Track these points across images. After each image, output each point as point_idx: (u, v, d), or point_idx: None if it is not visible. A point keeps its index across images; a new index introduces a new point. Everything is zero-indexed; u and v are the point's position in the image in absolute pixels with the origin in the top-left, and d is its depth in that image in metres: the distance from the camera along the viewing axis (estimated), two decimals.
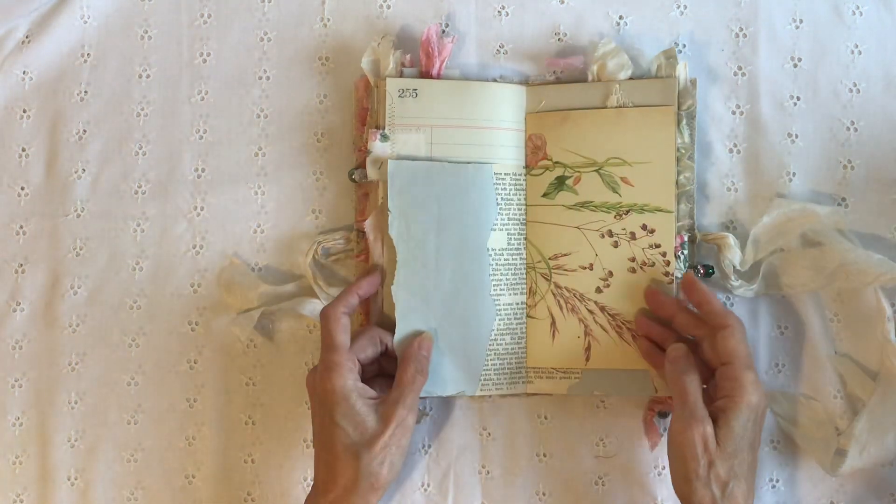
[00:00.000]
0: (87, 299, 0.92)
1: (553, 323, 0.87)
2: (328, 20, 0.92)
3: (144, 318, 0.92)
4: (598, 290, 0.87)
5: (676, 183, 0.86)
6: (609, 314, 0.87)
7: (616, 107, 0.86)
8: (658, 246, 0.86)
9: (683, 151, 0.86)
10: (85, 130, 0.93)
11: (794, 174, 0.88)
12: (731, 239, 0.86)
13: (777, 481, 0.88)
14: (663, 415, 0.87)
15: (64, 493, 0.92)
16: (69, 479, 0.92)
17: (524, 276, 0.88)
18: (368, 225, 0.86)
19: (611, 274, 0.86)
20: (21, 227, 0.93)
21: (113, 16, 0.93)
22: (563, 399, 0.89)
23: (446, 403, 0.90)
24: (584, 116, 0.87)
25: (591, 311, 0.87)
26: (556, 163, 0.87)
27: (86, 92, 0.93)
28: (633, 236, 0.86)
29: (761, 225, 0.86)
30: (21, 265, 0.93)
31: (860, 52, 0.89)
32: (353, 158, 0.90)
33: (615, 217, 0.86)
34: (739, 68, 0.89)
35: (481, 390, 0.87)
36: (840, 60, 0.89)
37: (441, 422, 0.90)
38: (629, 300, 0.86)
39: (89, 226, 0.92)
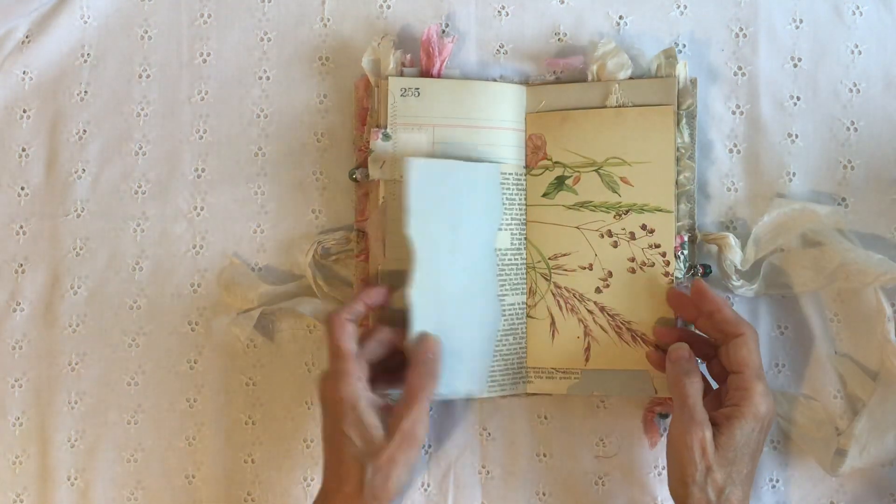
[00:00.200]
0: (87, 299, 0.92)
1: (553, 323, 0.87)
2: (328, 20, 0.92)
3: (144, 318, 0.92)
4: (598, 291, 0.87)
5: (676, 183, 0.86)
6: (609, 314, 0.86)
7: (616, 106, 0.86)
8: (658, 246, 0.85)
9: (683, 151, 0.86)
10: (85, 130, 0.93)
11: (794, 174, 0.88)
12: (732, 239, 0.86)
13: (777, 481, 0.88)
14: (663, 415, 0.87)
15: (64, 493, 0.92)
16: (69, 479, 0.92)
17: (524, 276, 0.88)
18: (369, 224, 0.85)
19: (610, 274, 0.86)
20: (21, 227, 0.93)
21: (113, 16, 0.94)
22: (563, 399, 0.89)
23: (446, 403, 0.90)
24: (584, 116, 0.87)
25: (590, 312, 0.87)
26: (556, 163, 0.87)
27: (86, 92, 0.93)
28: (632, 236, 0.86)
29: (761, 224, 0.86)
30: (21, 265, 0.93)
31: (860, 52, 0.89)
32: (353, 158, 0.90)
33: (615, 217, 0.86)
34: (739, 68, 0.89)
35: (488, 392, 0.87)
36: (840, 60, 0.89)
37: (441, 422, 0.90)
38: (629, 300, 0.86)
39: (89, 226, 0.92)
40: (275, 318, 0.91)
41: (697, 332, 0.84)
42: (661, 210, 0.85)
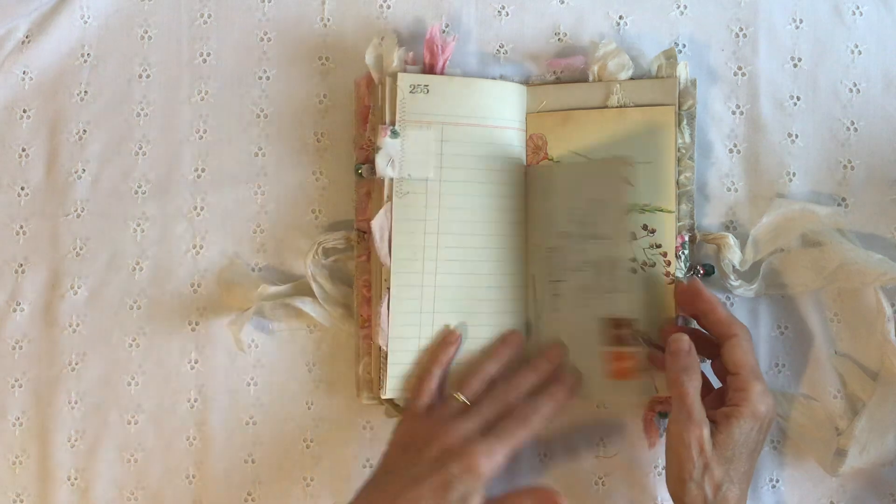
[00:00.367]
0: (87, 299, 0.92)
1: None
2: (328, 20, 0.92)
3: (144, 318, 0.92)
4: None
5: (677, 183, 0.86)
6: None
7: (617, 107, 0.86)
8: (659, 246, 0.85)
9: (684, 151, 0.86)
10: (85, 130, 0.93)
11: (794, 174, 0.88)
12: (731, 239, 0.86)
13: (777, 481, 0.88)
14: (663, 415, 0.87)
15: (64, 493, 0.92)
16: (69, 479, 0.92)
17: (524, 275, 0.88)
18: (375, 224, 0.85)
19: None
20: (21, 227, 0.93)
21: (113, 16, 0.94)
22: None
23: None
24: (586, 116, 0.87)
25: None
26: (558, 163, 0.87)
27: (86, 92, 0.93)
28: (633, 236, 0.86)
29: (761, 225, 0.86)
30: (21, 265, 0.93)
31: (860, 52, 0.89)
32: (353, 158, 0.89)
33: None
34: (739, 68, 0.89)
35: None
36: (840, 60, 0.89)
37: None
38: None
39: (89, 226, 0.92)
40: (273, 318, 0.91)
41: (702, 329, 0.84)
42: (662, 210, 0.85)
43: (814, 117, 0.89)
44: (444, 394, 0.85)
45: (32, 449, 0.92)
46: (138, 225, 0.92)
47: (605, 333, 0.85)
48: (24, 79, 0.94)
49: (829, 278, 0.85)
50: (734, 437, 0.77)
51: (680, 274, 0.85)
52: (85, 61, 0.93)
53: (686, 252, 0.86)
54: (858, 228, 0.87)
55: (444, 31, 0.90)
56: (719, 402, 0.80)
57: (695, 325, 0.85)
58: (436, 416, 0.82)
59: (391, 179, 0.85)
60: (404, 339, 0.85)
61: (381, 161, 0.85)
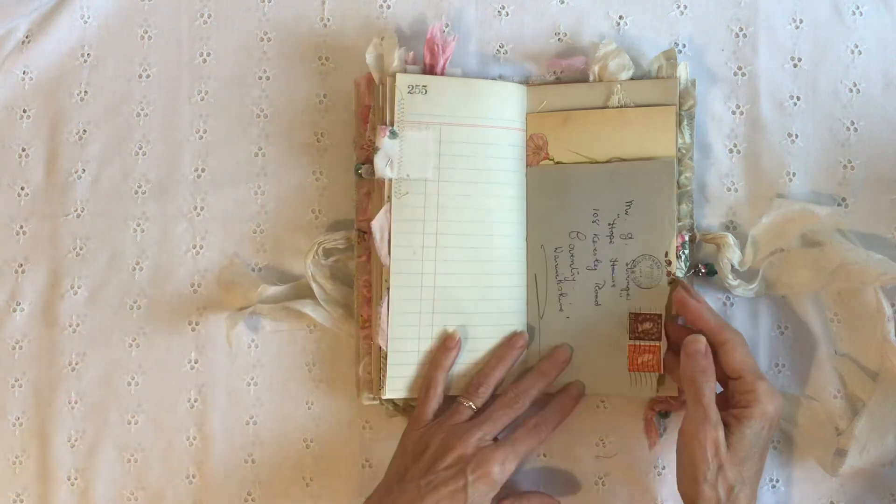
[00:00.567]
0: (87, 299, 0.92)
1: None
2: (328, 20, 0.92)
3: (144, 318, 0.92)
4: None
5: (678, 183, 0.86)
6: None
7: (618, 107, 0.86)
8: (667, 245, 0.85)
9: (684, 151, 0.86)
10: (85, 130, 0.93)
11: (794, 174, 0.88)
12: (731, 238, 0.86)
13: (777, 481, 0.88)
14: (664, 415, 0.87)
15: (64, 493, 0.92)
16: (69, 479, 0.92)
17: (526, 275, 0.88)
18: (375, 224, 0.85)
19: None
20: (21, 227, 0.93)
21: (113, 16, 0.94)
22: None
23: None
24: (586, 116, 0.87)
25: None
26: (558, 163, 0.87)
27: (86, 92, 0.93)
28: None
29: (760, 225, 0.86)
30: (21, 265, 0.93)
31: (860, 52, 0.89)
32: (353, 157, 0.89)
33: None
34: (739, 68, 0.89)
35: None
36: (840, 60, 0.89)
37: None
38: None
39: (89, 226, 0.92)
40: (268, 317, 0.91)
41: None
42: None
43: (814, 117, 0.89)
44: (450, 393, 0.86)
45: (32, 449, 0.92)
46: (138, 225, 0.92)
47: (630, 327, 0.86)
48: (24, 79, 0.94)
49: (829, 278, 0.85)
50: (747, 438, 0.77)
51: (680, 274, 0.85)
52: (85, 61, 0.93)
53: (686, 252, 0.86)
54: (858, 228, 0.87)
55: (444, 31, 0.90)
56: (723, 405, 0.80)
57: None
58: (447, 424, 0.82)
59: (390, 180, 0.85)
60: (404, 339, 0.85)
61: (379, 162, 0.85)
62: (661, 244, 0.85)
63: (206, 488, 0.91)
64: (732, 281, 0.86)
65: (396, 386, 0.85)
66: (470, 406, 0.83)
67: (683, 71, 0.87)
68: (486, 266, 0.86)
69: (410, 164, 0.85)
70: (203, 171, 0.92)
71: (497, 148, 0.87)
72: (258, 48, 0.92)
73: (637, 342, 0.85)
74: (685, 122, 0.86)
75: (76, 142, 0.93)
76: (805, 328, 0.88)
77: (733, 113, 0.89)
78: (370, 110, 0.88)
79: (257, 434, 0.91)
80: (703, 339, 0.81)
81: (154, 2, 0.93)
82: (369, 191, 0.88)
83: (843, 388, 0.87)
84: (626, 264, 0.86)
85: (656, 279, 0.85)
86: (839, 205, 0.88)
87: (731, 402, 0.80)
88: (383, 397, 0.86)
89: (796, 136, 0.89)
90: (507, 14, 0.91)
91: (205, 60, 0.93)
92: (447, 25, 0.90)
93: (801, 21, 0.89)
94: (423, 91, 0.85)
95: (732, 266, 0.86)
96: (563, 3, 0.91)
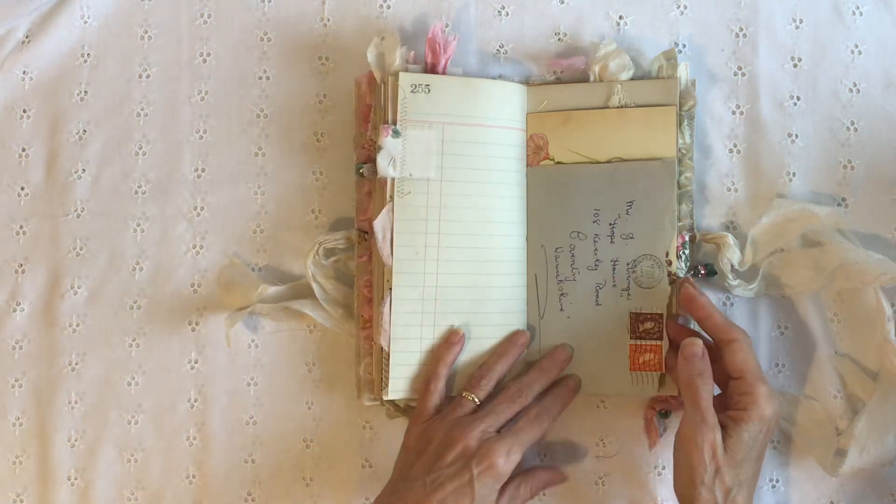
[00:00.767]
0: (87, 299, 0.92)
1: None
2: (328, 20, 0.92)
3: (144, 318, 0.92)
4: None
5: (678, 183, 0.86)
6: None
7: (618, 107, 0.86)
8: (667, 244, 0.85)
9: (684, 152, 0.86)
10: (85, 130, 0.93)
11: (794, 174, 0.88)
12: (731, 238, 0.86)
13: (777, 481, 0.88)
14: (664, 414, 0.87)
15: (64, 492, 0.92)
16: (69, 479, 0.92)
17: (526, 275, 0.88)
18: (377, 224, 0.85)
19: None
20: (21, 227, 0.93)
21: (113, 16, 0.94)
22: None
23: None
24: (587, 116, 0.87)
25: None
26: (558, 163, 0.87)
27: (86, 92, 0.93)
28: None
29: (760, 225, 0.86)
30: (21, 265, 0.93)
31: (860, 52, 0.89)
32: (353, 157, 0.89)
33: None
34: (739, 68, 0.89)
35: None
36: (840, 60, 0.89)
37: None
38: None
39: (89, 226, 0.92)
40: (267, 317, 0.91)
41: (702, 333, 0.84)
42: None
43: (814, 117, 0.89)
44: (451, 394, 0.86)
45: (32, 449, 0.92)
46: (138, 225, 0.92)
47: (631, 327, 0.86)
48: (24, 79, 0.94)
49: (829, 278, 0.85)
50: (744, 440, 0.77)
51: (681, 274, 0.85)
52: (85, 61, 0.93)
53: (686, 252, 0.86)
54: (858, 228, 0.87)
55: (445, 31, 0.90)
56: (720, 406, 0.80)
57: (695, 325, 0.85)
58: (449, 417, 0.82)
59: (393, 179, 0.85)
60: (406, 339, 0.85)
61: (382, 161, 0.85)
62: (662, 244, 0.85)
63: (206, 488, 0.91)
64: (732, 281, 0.86)
65: (398, 387, 0.85)
66: (472, 399, 0.83)
67: (683, 71, 0.87)
68: (486, 266, 0.86)
69: (413, 164, 0.85)
70: (203, 171, 0.92)
71: (498, 147, 0.87)
72: (258, 48, 0.92)
73: (638, 342, 0.85)
74: (685, 123, 0.86)
75: (76, 142, 0.93)
76: (805, 328, 0.88)
77: (733, 113, 0.89)
78: (371, 109, 0.88)
79: (257, 434, 0.91)
80: (699, 341, 0.81)
81: (154, 2, 0.93)
82: (370, 190, 0.88)
83: (843, 388, 0.87)
84: (627, 264, 0.86)
85: (657, 279, 0.85)
86: (839, 205, 0.88)
87: (730, 403, 0.80)
88: (385, 398, 0.86)
89: (796, 136, 0.89)
90: (507, 14, 0.91)
91: (205, 60, 0.93)
92: (447, 25, 0.90)
93: (801, 21, 0.89)
94: (426, 90, 0.85)
95: (732, 266, 0.86)
96: (563, 3, 0.91)
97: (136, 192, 0.92)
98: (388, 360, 0.85)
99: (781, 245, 0.87)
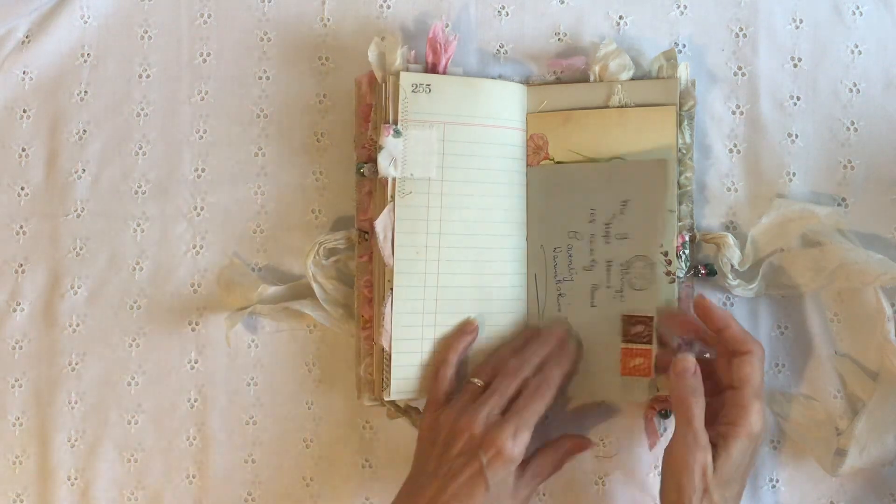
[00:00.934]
0: (87, 299, 0.92)
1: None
2: (328, 20, 0.92)
3: (144, 318, 0.92)
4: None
5: (678, 183, 0.86)
6: None
7: (618, 107, 0.87)
8: (660, 245, 0.85)
9: (684, 152, 0.86)
10: (85, 130, 0.93)
11: (794, 174, 0.88)
12: (731, 238, 0.86)
13: (777, 481, 0.88)
14: (664, 414, 0.87)
15: (64, 492, 0.92)
16: (69, 479, 0.92)
17: (526, 275, 0.88)
18: (378, 224, 0.85)
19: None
20: (21, 227, 0.93)
21: (113, 16, 0.94)
22: (564, 399, 0.89)
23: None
24: (587, 116, 0.87)
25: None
26: (558, 163, 0.87)
27: (86, 92, 0.93)
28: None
29: (760, 225, 0.86)
30: (21, 265, 0.93)
31: (860, 52, 0.89)
32: (353, 157, 0.89)
33: None
34: (739, 68, 0.89)
35: None
36: (840, 60, 0.89)
37: None
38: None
39: (89, 226, 0.92)
40: (267, 317, 0.91)
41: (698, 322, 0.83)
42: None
43: (814, 117, 0.89)
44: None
45: (32, 449, 0.92)
46: (138, 225, 0.92)
47: (622, 330, 0.85)
48: (24, 79, 0.94)
49: (829, 278, 0.85)
50: (733, 458, 0.76)
51: (681, 274, 0.85)
52: (85, 61, 0.93)
53: (686, 252, 0.86)
54: (858, 228, 0.87)
55: (445, 30, 0.90)
56: (710, 418, 0.78)
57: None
58: (457, 405, 0.81)
59: (394, 179, 0.85)
60: (407, 339, 0.85)
61: (383, 161, 0.84)
62: (656, 244, 0.85)
63: (206, 488, 0.91)
64: (732, 281, 0.86)
65: (400, 388, 0.85)
66: (476, 382, 0.82)
67: (683, 71, 0.87)
68: (487, 266, 0.86)
69: (414, 163, 0.85)
70: (203, 171, 0.92)
71: (498, 147, 0.87)
72: (258, 48, 0.92)
73: (629, 345, 0.85)
74: (685, 123, 0.86)
75: (76, 142, 0.93)
76: (805, 328, 0.88)
77: (733, 113, 0.89)
78: (371, 109, 0.88)
79: (257, 434, 0.91)
80: (692, 358, 0.80)
81: (154, 2, 0.93)
82: (371, 190, 0.87)
83: (843, 388, 0.87)
84: (621, 265, 0.86)
85: (649, 281, 0.85)
86: (839, 205, 0.88)
87: (720, 415, 0.79)
88: (386, 399, 0.85)
89: (796, 136, 0.89)
90: (507, 14, 0.91)
91: (205, 60, 0.93)
92: (447, 25, 0.90)
93: (801, 21, 0.89)
94: (427, 90, 0.85)
95: (732, 266, 0.86)
96: (563, 3, 0.91)
97: (136, 192, 0.92)
98: (388, 360, 0.85)
99: (781, 245, 0.87)
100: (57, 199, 0.93)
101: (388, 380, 0.85)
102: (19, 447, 0.92)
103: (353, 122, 0.90)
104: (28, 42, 0.93)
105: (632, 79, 0.87)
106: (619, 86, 0.87)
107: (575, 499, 0.89)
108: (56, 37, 0.93)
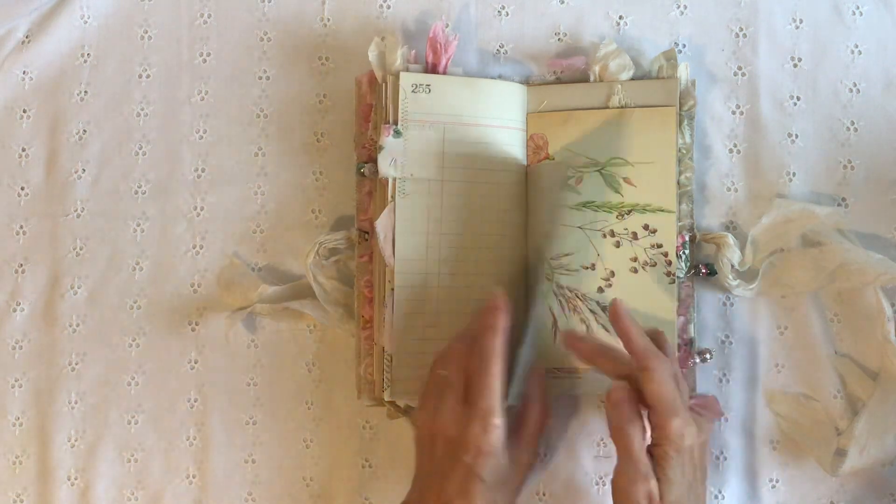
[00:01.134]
0: (87, 299, 0.92)
1: (555, 323, 0.87)
2: (328, 20, 0.92)
3: (144, 318, 0.92)
4: (600, 290, 0.87)
5: (678, 183, 0.86)
6: None
7: (618, 107, 0.87)
8: (660, 246, 0.86)
9: (685, 152, 0.86)
10: (85, 130, 0.93)
11: (794, 174, 0.88)
12: (731, 238, 0.86)
13: (777, 481, 0.88)
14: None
15: (64, 493, 0.92)
16: (69, 479, 0.92)
17: (525, 276, 0.88)
18: (379, 224, 0.85)
19: (612, 274, 0.86)
20: (21, 227, 0.93)
21: (113, 16, 0.94)
22: (564, 399, 0.89)
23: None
24: (587, 116, 0.87)
25: (592, 312, 0.87)
26: (558, 163, 0.87)
27: (86, 92, 0.93)
28: (634, 236, 0.86)
29: (760, 225, 0.86)
30: (21, 265, 0.93)
31: (860, 52, 0.89)
32: (353, 157, 0.89)
33: (617, 217, 0.86)
34: (739, 68, 0.89)
35: None
36: (840, 60, 0.89)
37: None
38: (631, 300, 0.86)
39: (89, 226, 0.92)
40: (267, 317, 0.91)
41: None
42: (663, 210, 0.86)
43: (814, 117, 0.89)
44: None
45: (32, 449, 0.92)
46: (138, 225, 0.92)
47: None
48: (24, 79, 0.94)
49: (829, 278, 0.85)
50: (672, 480, 0.75)
51: (681, 274, 0.85)
52: (85, 61, 0.93)
53: (686, 252, 0.86)
54: (858, 228, 0.87)
55: (446, 30, 0.90)
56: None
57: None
58: (427, 402, 0.81)
59: (394, 179, 0.85)
60: (408, 340, 0.85)
61: (383, 161, 0.84)
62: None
63: (206, 488, 0.91)
64: (732, 281, 0.86)
65: (400, 389, 0.85)
66: (442, 373, 0.81)
67: (683, 71, 0.87)
68: (487, 266, 0.86)
69: (414, 164, 0.85)
70: (203, 171, 0.92)
71: (498, 147, 0.87)
72: (258, 48, 0.92)
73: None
74: (685, 123, 0.86)
75: (76, 142, 0.93)
76: (805, 328, 0.88)
77: (733, 113, 0.89)
78: (372, 109, 0.88)
79: (257, 434, 0.91)
80: (625, 385, 0.78)
81: (154, 2, 0.93)
82: (371, 190, 0.88)
83: (843, 388, 0.87)
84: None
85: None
86: (839, 205, 0.88)
87: (653, 436, 0.77)
88: (386, 399, 0.85)
89: (796, 136, 0.89)
90: (507, 14, 0.91)
91: (205, 60, 0.93)
92: (447, 25, 0.90)
93: (801, 21, 0.89)
94: (427, 90, 0.85)
95: (732, 266, 0.86)
96: (563, 3, 0.91)
97: (136, 192, 0.92)
98: (389, 360, 0.85)
99: (781, 245, 0.87)
100: (57, 199, 0.93)
101: (389, 380, 0.85)
102: (19, 447, 0.92)
103: (353, 122, 0.90)
104: (28, 42, 0.93)
105: (632, 79, 0.88)
106: (619, 86, 0.87)
107: (575, 499, 0.89)
108: (56, 37, 0.93)
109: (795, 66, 0.89)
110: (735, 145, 0.89)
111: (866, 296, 0.86)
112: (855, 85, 0.89)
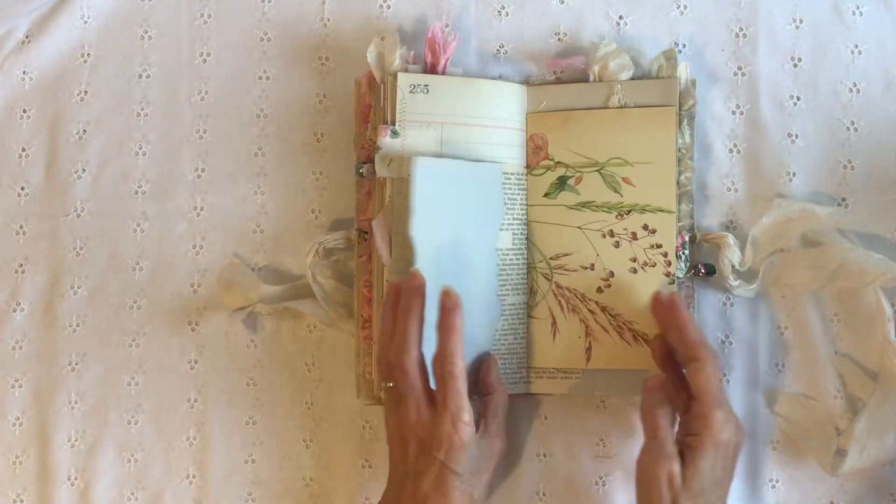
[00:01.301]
0: (87, 299, 0.92)
1: (554, 323, 0.87)
2: (328, 20, 0.92)
3: (144, 318, 0.92)
4: (600, 290, 0.87)
5: (678, 183, 0.86)
6: (610, 314, 0.86)
7: (618, 107, 0.87)
8: (659, 246, 0.85)
9: (684, 152, 0.86)
10: (85, 130, 0.93)
11: (794, 174, 0.88)
12: (731, 238, 0.86)
13: (777, 481, 0.88)
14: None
15: (64, 493, 0.92)
16: (69, 479, 0.92)
17: (525, 276, 0.88)
18: (376, 224, 0.85)
19: (612, 274, 0.86)
20: (21, 227, 0.93)
21: (113, 16, 0.94)
22: (564, 399, 0.89)
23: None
24: (586, 116, 0.87)
25: (591, 312, 0.87)
26: (558, 163, 0.87)
27: (86, 92, 0.93)
28: (634, 236, 0.86)
29: (760, 226, 0.86)
30: (21, 265, 0.93)
31: (860, 52, 0.89)
32: (353, 157, 0.89)
33: (616, 217, 0.86)
34: (739, 68, 0.89)
35: None
36: (840, 60, 0.89)
37: None
38: (630, 300, 0.86)
39: (89, 226, 0.92)
40: (267, 316, 0.91)
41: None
42: (662, 210, 0.85)
43: (814, 117, 0.89)
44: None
45: (32, 449, 0.92)
46: (138, 225, 0.92)
47: None
48: (24, 79, 0.94)
49: (829, 278, 0.85)
50: (700, 469, 0.76)
51: (680, 274, 0.85)
52: (85, 61, 0.93)
53: (686, 252, 0.86)
54: (858, 228, 0.87)
55: (445, 31, 0.90)
56: (685, 429, 0.79)
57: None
58: (392, 406, 0.81)
59: (392, 179, 0.85)
60: None
61: (380, 161, 0.85)
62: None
63: (206, 488, 0.91)
64: (732, 281, 0.86)
65: None
66: (388, 385, 0.82)
67: (683, 71, 0.87)
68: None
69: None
70: (203, 171, 0.92)
71: (498, 148, 0.87)
72: (258, 48, 0.92)
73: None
74: (685, 122, 0.86)
75: (76, 142, 0.93)
76: (805, 328, 0.88)
77: (733, 113, 0.89)
78: (371, 109, 0.88)
79: (257, 434, 0.91)
80: (663, 377, 0.80)
81: (154, 2, 0.93)
82: (370, 190, 0.88)
83: (843, 388, 0.87)
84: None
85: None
86: (839, 205, 0.88)
87: (689, 426, 0.78)
88: (384, 398, 0.85)
89: (796, 136, 0.89)
90: (507, 14, 0.91)
91: (205, 60, 0.93)
92: (447, 25, 0.90)
93: (801, 21, 0.89)
94: (425, 90, 0.85)
95: (732, 266, 0.86)
96: (563, 3, 0.91)
97: (136, 192, 0.92)
98: None
99: (781, 245, 0.87)
100: (57, 199, 0.93)
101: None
102: (19, 447, 0.92)
103: (352, 122, 0.90)
104: (28, 42, 0.93)
105: (632, 79, 0.87)
106: (619, 86, 0.87)
107: (575, 499, 0.89)
108: (56, 37, 0.93)
109: (795, 66, 0.89)
110: (735, 145, 0.89)
111: (866, 296, 0.86)
112: (855, 85, 0.89)
